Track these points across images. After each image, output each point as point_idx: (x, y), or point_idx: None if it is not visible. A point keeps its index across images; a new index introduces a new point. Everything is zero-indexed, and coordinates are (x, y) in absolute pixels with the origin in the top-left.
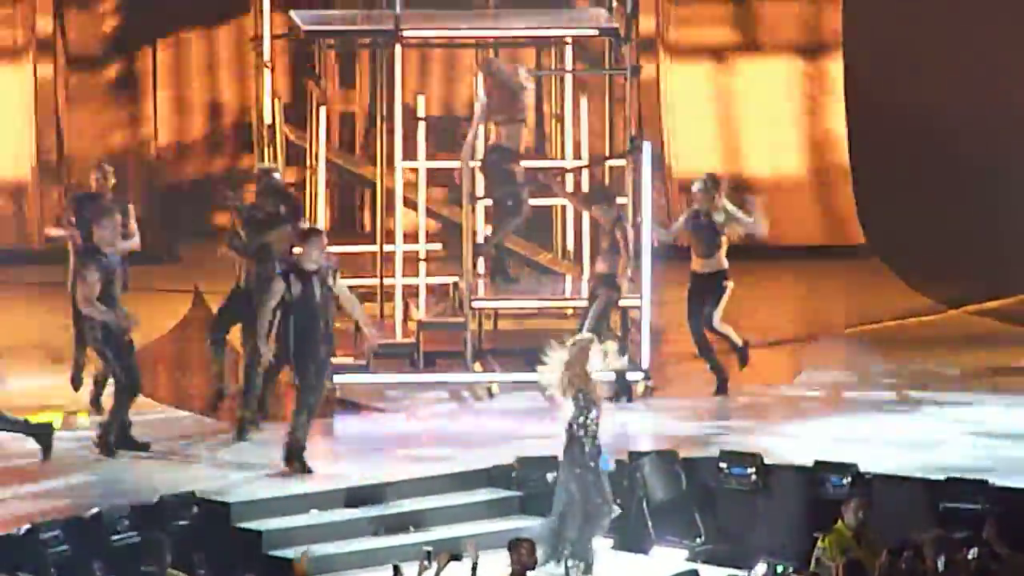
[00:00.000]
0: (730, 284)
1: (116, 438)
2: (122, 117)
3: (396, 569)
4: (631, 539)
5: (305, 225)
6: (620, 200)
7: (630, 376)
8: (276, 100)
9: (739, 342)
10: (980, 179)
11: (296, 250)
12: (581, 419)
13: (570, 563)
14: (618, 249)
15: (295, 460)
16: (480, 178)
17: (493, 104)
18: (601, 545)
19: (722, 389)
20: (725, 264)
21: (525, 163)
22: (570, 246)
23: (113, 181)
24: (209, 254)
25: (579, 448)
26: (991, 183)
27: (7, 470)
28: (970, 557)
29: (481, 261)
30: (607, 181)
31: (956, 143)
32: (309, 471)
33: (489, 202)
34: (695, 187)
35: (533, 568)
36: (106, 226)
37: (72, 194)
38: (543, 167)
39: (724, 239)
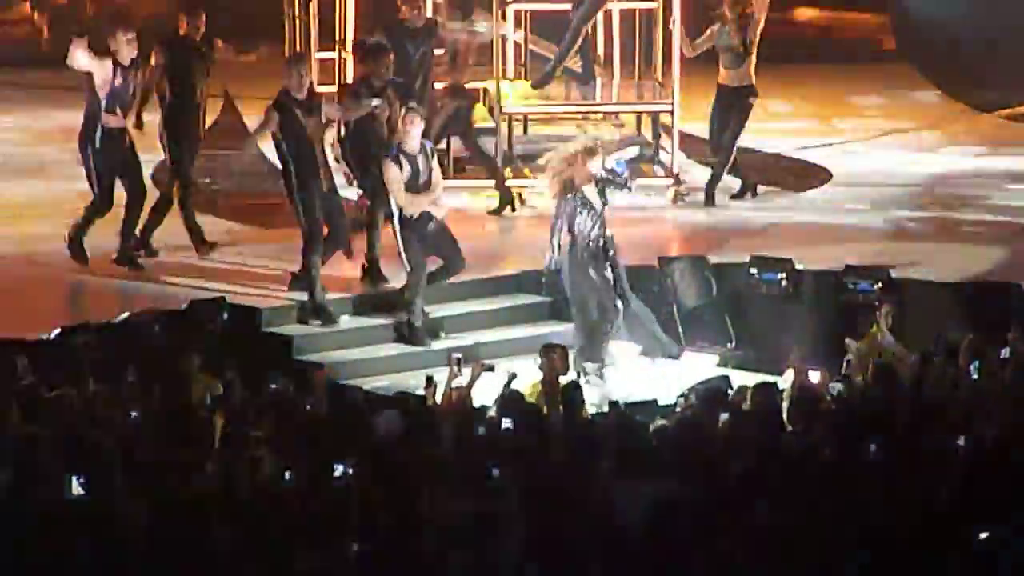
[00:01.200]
0: (755, 100)
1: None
2: None
3: (428, 380)
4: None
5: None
6: (651, 4)
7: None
8: None
9: (739, 176)
10: None
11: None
12: (578, 221)
13: (587, 368)
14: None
15: (410, 335)
16: None
17: None
18: (624, 349)
19: (742, 193)
20: (753, 78)
21: None
22: (600, 50)
23: (203, 30)
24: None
25: (581, 250)
26: None
27: (41, 276)
28: (1003, 356)
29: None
30: None
31: None
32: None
33: (521, 6)
34: None
35: (565, 374)
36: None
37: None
38: None
39: (752, 50)
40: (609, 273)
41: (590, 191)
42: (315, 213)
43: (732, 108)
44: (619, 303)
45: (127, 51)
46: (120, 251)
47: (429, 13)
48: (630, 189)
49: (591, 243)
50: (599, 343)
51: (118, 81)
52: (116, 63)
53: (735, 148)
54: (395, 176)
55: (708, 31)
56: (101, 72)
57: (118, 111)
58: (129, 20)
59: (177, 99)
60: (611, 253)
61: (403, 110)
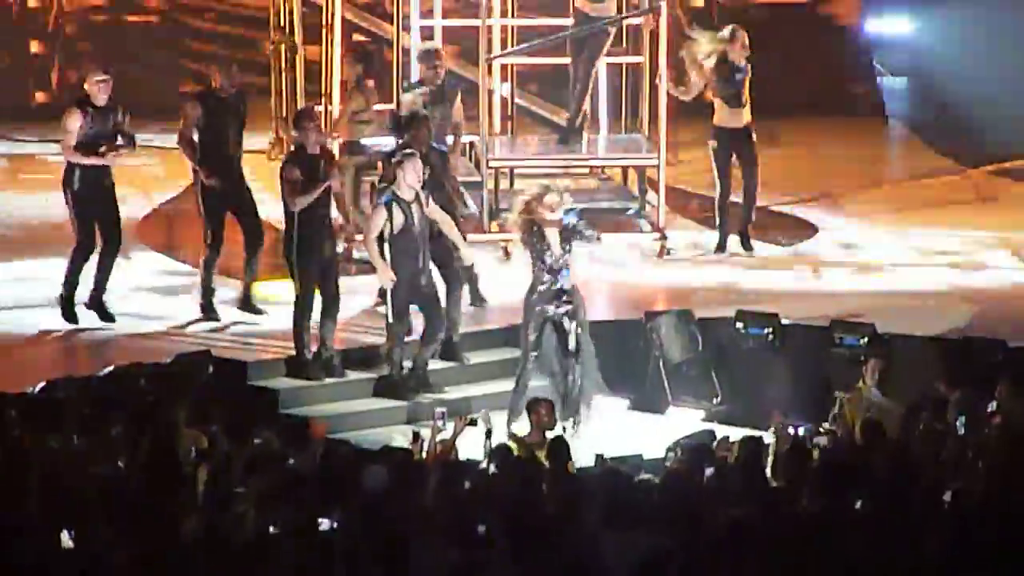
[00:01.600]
0: (755, 138)
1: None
2: None
3: (415, 435)
4: (647, 399)
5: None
6: (637, 59)
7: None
8: None
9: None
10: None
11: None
12: (540, 265)
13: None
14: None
15: (390, 388)
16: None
17: None
18: (613, 404)
19: (722, 246)
20: (750, 117)
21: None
22: (587, 105)
23: (235, 84)
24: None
25: (533, 292)
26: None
27: (26, 329)
28: (990, 411)
29: None
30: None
31: None
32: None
33: (506, 60)
34: (721, 36)
35: (552, 428)
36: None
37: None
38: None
39: (748, 91)
40: (567, 322)
41: (552, 234)
42: (311, 282)
43: (735, 151)
44: (568, 352)
45: (99, 93)
46: (91, 297)
47: None
48: (591, 239)
49: (542, 286)
50: (561, 395)
51: (91, 124)
52: (87, 108)
53: (757, 193)
54: (376, 224)
55: (699, 70)
56: (72, 123)
57: (99, 150)
58: (103, 63)
59: (211, 153)
60: (573, 304)
61: (399, 154)
